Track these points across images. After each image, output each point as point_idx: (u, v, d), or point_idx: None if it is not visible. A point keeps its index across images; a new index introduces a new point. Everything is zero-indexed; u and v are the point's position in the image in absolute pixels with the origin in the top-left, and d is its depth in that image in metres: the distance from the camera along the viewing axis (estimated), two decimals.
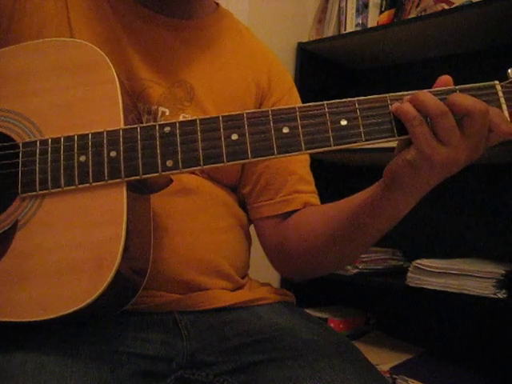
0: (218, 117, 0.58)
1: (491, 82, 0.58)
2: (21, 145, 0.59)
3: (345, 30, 1.89)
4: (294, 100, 0.88)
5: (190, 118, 0.59)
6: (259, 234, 0.85)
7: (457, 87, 0.58)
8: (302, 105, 0.58)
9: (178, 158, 0.57)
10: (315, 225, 0.76)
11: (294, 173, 0.82)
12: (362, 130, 0.57)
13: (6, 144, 0.60)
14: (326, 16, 1.97)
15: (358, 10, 1.87)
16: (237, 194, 0.84)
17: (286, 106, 0.58)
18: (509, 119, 0.57)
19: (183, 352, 0.68)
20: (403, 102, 0.56)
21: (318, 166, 0.88)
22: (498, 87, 0.58)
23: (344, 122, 0.57)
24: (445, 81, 0.58)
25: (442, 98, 0.56)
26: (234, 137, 0.57)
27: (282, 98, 0.85)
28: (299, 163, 0.84)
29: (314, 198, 0.84)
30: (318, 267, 0.80)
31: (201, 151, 0.57)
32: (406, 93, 0.58)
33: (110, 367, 0.60)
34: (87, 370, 0.57)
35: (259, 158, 0.57)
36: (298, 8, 2.02)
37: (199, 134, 0.57)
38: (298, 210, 0.81)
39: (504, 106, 0.57)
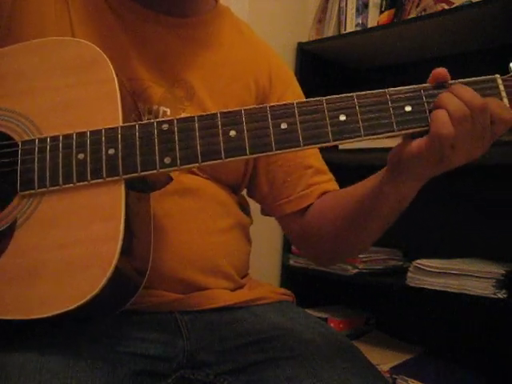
0: (216, 113, 0.58)
1: (492, 76, 0.59)
2: (20, 143, 0.59)
3: (345, 30, 1.89)
4: (297, 92, 0.89)
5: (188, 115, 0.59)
6: (282, 226, 0.88)
7: (457, 81, 0.59)
8: (300, 100, 0.58)
9: (176, 155, 0.57)
10: (329, 211, 0.78)
11: (310, 166, 0.83)
12: (361, 124, 0.57)
13: (5, 142, 0.60)
14: (326, 16, 1.97)
15: (357, 10, 1.87)
16: (237, 195, 0.84)
17: (284, 102, 0.58)
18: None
19: (183, 352, 0.68)
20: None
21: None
22: (499, 81, 0.58)
23: (343, 117, 0.57)
24: (439, 74, 0.59)
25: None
26: (232, 133, 0.57)
27: (286, 91, 0.86)
28: (313, 156, 0.85)
29: (331, 185, 0.85)
30: (336, 252, 0.82)
31: (199, 148, 0.57)
32: (405, 87, 0.58)
33: (111, 367, 0.60)
34: (88, 370, 0.57)
35: (257, 155, 0.57)
36: (298, 8, 2.02)
37: (197, 130, 0.57)
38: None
39: (505, 100, 0.58)
